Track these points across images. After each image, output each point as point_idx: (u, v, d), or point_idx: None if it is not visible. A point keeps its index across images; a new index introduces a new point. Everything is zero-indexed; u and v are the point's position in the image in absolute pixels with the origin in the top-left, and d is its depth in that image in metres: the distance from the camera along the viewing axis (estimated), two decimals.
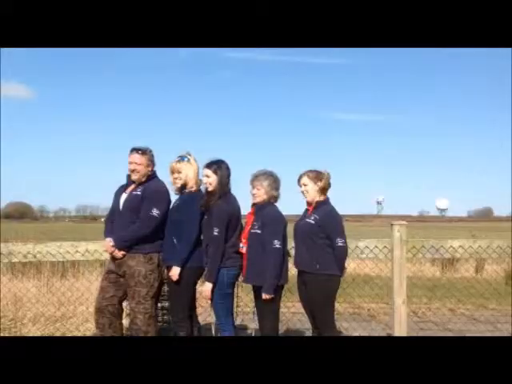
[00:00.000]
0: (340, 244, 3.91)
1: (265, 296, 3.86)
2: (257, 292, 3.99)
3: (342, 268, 3.99)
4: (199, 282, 4.30)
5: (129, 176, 4.30)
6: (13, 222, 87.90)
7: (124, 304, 4.36)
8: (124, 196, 4.26)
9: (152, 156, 4.30)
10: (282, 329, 5.39)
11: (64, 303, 6.15)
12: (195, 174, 4.22)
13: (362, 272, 9.13)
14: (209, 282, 3.98)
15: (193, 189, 4.20)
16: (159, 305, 4.59)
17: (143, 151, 4.23)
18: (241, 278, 4.14)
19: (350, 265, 7.86)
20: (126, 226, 4.14)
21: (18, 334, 5.30)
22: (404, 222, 4.78)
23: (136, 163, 4.19)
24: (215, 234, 3.95)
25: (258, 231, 3.96)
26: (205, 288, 4.01)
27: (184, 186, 4.21)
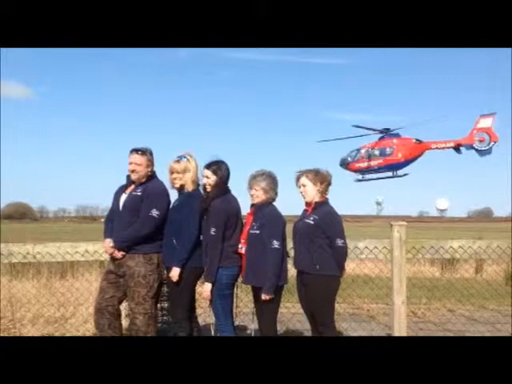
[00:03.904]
0: (340, 244, 3.91)
1: (264, 297, 3.86)
2: (256, 292, 3.99)
3: (341, 268, 3.99)
4: (199, 282, 4.30)
5: (128, 176, 4.30)
6: (13, 222, 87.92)
7: (123, 305, 4.36)
8: (124, 196, 4.26)
9: (152, 156, 4.30)
10: (281, 329, 5.40)
11: (63, 304, 6.14)
12: (194, 174, 4.22)
13: (361, 272, 9.14)
14: (207, 281, 3.98)
15: (191, 189, 4.20)
16: (159, 305, 4.58)
17: (143, 152, 4.23)
18: (240, 279, 4.14)
19: (350, 265, 7.87)
20: (126, 227, 4.13)
21: (18, 335, 5.30)
22: (404, 223, 4.78)
23: (136, 163, 4.19)
24: (212, 233, 3.96)
25: (257, 232, 3.96)
26: (204, 288, 4.01)
27: (183, 186, 4.21)
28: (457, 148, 25.06)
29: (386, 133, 26.34)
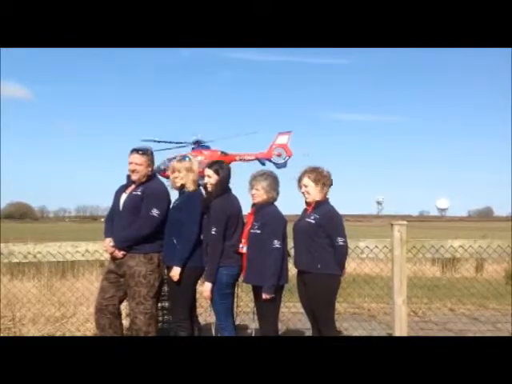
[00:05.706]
0: (341, 243, 3.92)
1: (265, 296, 3.86)
2: (257, 292, 3.99)
3: (342, 267, 4.00)
4: (199, 281, 4.30)
5: (129, 176, 4.30)
6: (13, 222, 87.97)
7: (124, 304, 4.36)
8: (124, 196, 4.26)
9: (152, 156, 4.31)
10: (282, 329, 5.39)
11: (64, 303, 6.14)
12: (196, 174, 4.23)
13: (362, 272, 9.12)
14: (208, 281, 3.98)
15: (192, 189, 4.20)
16: (159, 305, 4.58)
17: (143, 151, 4.24)
18: (241, 278, 4.15)
19: (351, 265, 7.86)
20: (126, 226, 4.14)
21: (18, 335, 5.30)
22: (404, 222, 4.78)
23: (136, 163, 4.19)
24: (213, 233, 3.96)
25: (258, 231, 3.96)
26: (205, 288, 4.02)
27: (184, 186, 4.22)
28: (259, 160, 27.71)
29: (198, 145, 28.65)
